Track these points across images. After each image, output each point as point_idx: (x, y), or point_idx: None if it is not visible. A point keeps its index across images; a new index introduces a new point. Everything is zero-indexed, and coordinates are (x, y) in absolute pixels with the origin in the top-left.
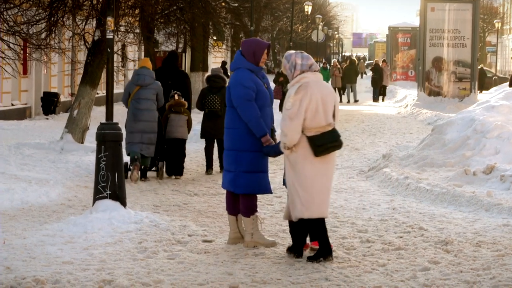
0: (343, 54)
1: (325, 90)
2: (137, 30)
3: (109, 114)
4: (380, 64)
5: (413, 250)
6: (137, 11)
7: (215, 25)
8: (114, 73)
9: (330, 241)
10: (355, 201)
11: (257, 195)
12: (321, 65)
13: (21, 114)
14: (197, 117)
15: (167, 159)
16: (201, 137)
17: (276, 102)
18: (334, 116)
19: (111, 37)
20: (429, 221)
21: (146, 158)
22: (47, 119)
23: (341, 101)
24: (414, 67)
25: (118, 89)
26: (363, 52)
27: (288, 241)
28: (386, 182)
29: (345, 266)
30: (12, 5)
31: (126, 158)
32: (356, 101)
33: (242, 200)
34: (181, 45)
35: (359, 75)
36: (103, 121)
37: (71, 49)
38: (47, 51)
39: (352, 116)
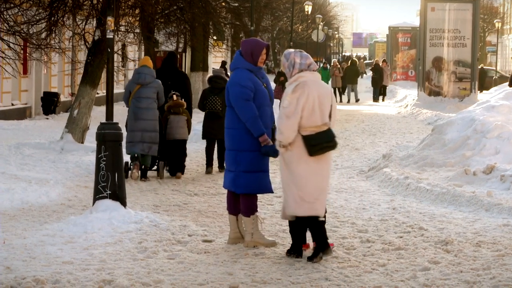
0: (343, 54)
1: (322, 90)
2: (137, 30)
3: (109, 114)
4: (380, 64)
5: (413, 250)
6: (137, 11)
7: (215, 25)
8: (114, 73)
9: (330, 241)
10: (355, 201)
11: (258, 195)
12: (321, 65)
13: (21, 114)
14: (197, 117)
15: (169, 160)
16: (203, 138)
17: (277, 102)
18: (330, 116)
19: (111, 37)
20: (429, 221)
21: (147, 157)
22: (47, 119)
23: (341, 101)
24: (414, 67)
25: (118, 89)
26: (363, 52)
27: (288, 241)
28: (386, 182)
29: (345, 266)
30: (12, 5)
31: (126, 158)
32: (357, 100)
33: (242, 200)
34: (181, 45)
35: (360, 75)
36: (103, 121)
37: (71, 49)
38: (47, 51)
39: (352, 116)
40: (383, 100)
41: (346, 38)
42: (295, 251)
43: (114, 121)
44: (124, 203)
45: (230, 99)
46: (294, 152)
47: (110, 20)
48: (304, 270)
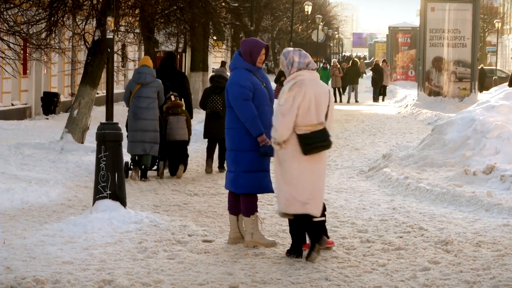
0: (343, 54)
1: (319, 89)
2: (137, 30)
3: (109, 114)
4: (380, 64)
5: (413, 250)
6: (137, 11)
7: (215, 25)
8: (114, 73)
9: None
10: (355, 201)
11: (258, 195)
12: (321, 65)
13: (21, 114)
14: (197, 117)
15: (170, 161)
16: (204, 137)
17: (277, 102)
18: (327, 116)
19: (111, 37)
20: (429, 221)
21: (147, 157)
22: (47, 119)
23: (341, 101)
24: (414, 67)
25: (118, 89)
26: (363, 52)
27: (288, 241)
28: (386, 182)
29: (345, 266)
30: (12, 5)
31: (126, 158)
32: (356, 101)
33: (242, 200)
34: (181, 45)
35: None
36: (103, 121)
37: (71, 49)
38: (47, 51)
39: (352, 116)
40: (383, 100)
41: (346, 38)
42: (295, 251)
43: (114, 121)
44: (124, 203)
45: (230, 99)
46: (288, 150)
47: (110, 20)
48: (304, 270)
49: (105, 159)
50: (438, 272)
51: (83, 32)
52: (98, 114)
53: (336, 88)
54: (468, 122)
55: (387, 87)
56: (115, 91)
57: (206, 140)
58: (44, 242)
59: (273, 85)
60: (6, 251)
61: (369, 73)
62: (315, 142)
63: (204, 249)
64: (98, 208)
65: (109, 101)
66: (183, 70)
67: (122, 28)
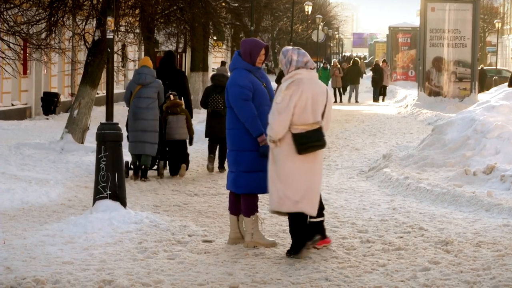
0: (344, 54)
1: (317, 89)
2: (137, 30)
3: (109, 114)
4: (380, 64)
5: (413, 250)
6: (137, 11)
7: (215, 25)
8: (114, 73)
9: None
10: (355, 201)
11: (258, 195)
12: (321, 65)
13: (21, 114)
14: (197, 117)
15: (170, 160)
16: (206, 136)
17: None
18: (323, 115)
19: (111, 37)
20: (429, 221)
21: (147, 157)
22: (47, 119)
23: (341, 101)
24: (414, 67)
25: (118, 89)
26: (364, 52)
27: (288, 241)
28: (386, 182)
29: (345, 266)
30: (12, 5)
31: (126, 158)
32: (356, 101)
33: (243, 200)
34: (181, 45)
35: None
36: (103, 121)
37: (71, 49)
38: (47, 51)
39: (352, 116)
40: (383, 100)
41: (346, 38)
42: (295, 251)
43: (114, 121)
44: (124, 203)
45: (230, 100)
46: (282, 149)
47: (110, 20)
48: (304, 270)
49: (105, 159)
50: (438, 272)
51: (83, 32)
52: (98, 114)
53: (336, 88)
54: (468, 122)
55: (387, 87)
56: (115, 91)
57: (207, 140)
58: (44, 242)
59: (274, 85)
60: (6, 251)
61: (369, 73)
62: (309, 141)
63: (204, 249)
64: (98, 208)
65: (109, 101)
66: (183, 70)
67: (122, 28)
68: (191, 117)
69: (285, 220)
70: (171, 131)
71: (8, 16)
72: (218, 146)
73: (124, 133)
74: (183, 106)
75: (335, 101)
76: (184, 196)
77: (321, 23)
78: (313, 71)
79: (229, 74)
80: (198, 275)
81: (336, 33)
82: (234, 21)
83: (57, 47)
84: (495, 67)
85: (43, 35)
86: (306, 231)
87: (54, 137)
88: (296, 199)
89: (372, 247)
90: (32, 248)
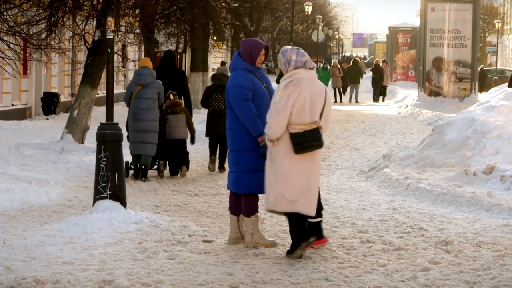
0: (344, 54)
1: (315, 89)
2: (137, 30)
3: (109, 114)
4: (381, 64)
5: (413, 251)
6: (137, 11)
7: (215, 25)
8: (114, 73)
9: (330, 241)
10: (355, 202)
11: (259, 195)
12: (321, 65)
13: (21, 114)
14: (197, 117)
15: (169, 160)
16: (206, 136)
17: None
18: (322, 115)
19: (111, 37)
20: (429, 221)
21: (147, 157)
22: (47, 119)
23: (341, 101)
24: (414, 67)
25: (118, 89)
26: (364, 52)
27: (288, 241)
28: (386, 182)
29: (345, 267)
30: (12, 5)
31: (126, 158)
32: (356, 102)
33: (243, 200)
34: (181, 45)
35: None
36: (103, 121)
37: (71, 49)
38: (47, 51)
39: (352, 116)
40: (383, 100)
41: (346, 38)
42: (290, 250)
43: (114, 121)
44: (124, 204)
45: (230, 100)
46: (280, 148)
47: (110, 20)
48: (304, 270)
49: (105, 159)
50: (438, 272)
51: (83, 32)
52: (98, 115)
53: (337, 89)
54: (468, 122)
55: (387, 87)
56: (115, 91)
57: (207, 139)
58: (44, 242)
59: (274, 85)
60: (6, 251)
61: (369, 74)
62: (306, 141)
63: (204, 249)
64: (98, 208)
65: (109, 101)
66: (183, 70)
67: (122, 29)
68: (191, 116)
69: (285, 220)
70: (171, 130)
71: (8, 16)
72: (218, 146)
73: (124, 133)
74: (183, 106)
75: (335, 101)
76: (184, 196)
77: (321, 23)
78: (312, 70)
79: (229, 74)
80: (198, 275)
81: (336, 33)
82: (234, 21)
83: (57, 47)
84: (495, 68)
85: (43, 35)
86: (305, 232)
87: (54, 137)
88: (292, 199)
89: (372, 247)
90: (32, 248)
